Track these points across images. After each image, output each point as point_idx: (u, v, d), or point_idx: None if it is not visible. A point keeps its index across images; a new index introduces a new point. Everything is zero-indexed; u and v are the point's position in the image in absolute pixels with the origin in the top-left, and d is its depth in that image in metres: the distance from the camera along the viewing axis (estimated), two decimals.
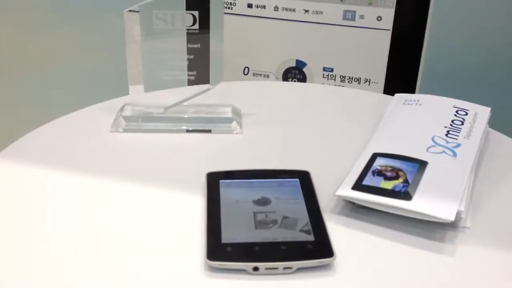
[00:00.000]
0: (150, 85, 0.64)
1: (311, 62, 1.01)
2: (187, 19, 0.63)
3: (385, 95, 0.75)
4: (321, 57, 1.00)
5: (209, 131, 0.65)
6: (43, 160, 0.58)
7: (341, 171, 0.54)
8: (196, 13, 0.63)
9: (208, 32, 0.63)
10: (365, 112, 0.70)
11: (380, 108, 0.67)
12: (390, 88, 0.97)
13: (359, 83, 0.99)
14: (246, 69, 1.05)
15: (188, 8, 0.63)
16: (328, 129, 0.66)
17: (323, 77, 1.01)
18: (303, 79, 1.03)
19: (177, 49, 0.64)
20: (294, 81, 1.03)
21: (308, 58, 1.01)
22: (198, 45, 0.64)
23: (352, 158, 0.56)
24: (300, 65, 1.02)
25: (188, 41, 0.64)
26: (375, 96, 0.75)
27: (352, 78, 1.00)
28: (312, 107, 0.71)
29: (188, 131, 0.65)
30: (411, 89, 0.96)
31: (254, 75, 1.05)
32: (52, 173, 0.56)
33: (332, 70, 1.00)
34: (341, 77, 1.00)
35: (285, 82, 1.00)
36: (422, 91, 0.96)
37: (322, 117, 0.68)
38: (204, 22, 0.63)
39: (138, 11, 0.61)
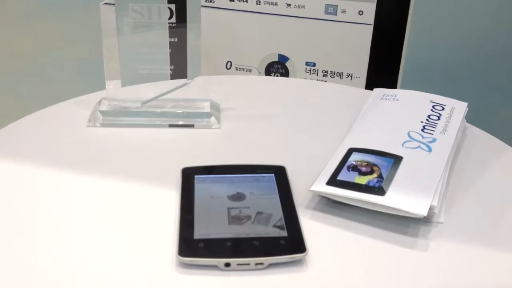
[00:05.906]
0: (127, 80, 0.64)
1: (293, 57, 1.01)
2: (164, 12, 0.62)
3: (366, 90, 0.75)
4: (303, 52, 1.00)
5: (191, 126, 0.64)
6: (20, 154, 0.57)
7: (318, 166, 0.54)
8: (173, 6, 0.62)
9: (185, 26, 0.63)
10: (345, 107, 0.69)
11: (360, 103, 0.67)
12: (372, 82, 0.97)
13: (341, 77, 0.99)
14: (229, 63, 1.04)
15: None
16: (307, 124, 0.65)
17: (306, 71, 1.01)
18: (286, 73, 1.02)
19: (154, 43, 0.64)
20: (277, 75, 1.02)
21: (291, 53, 1.01)
22: (176, 39, 0.64)
23: (329, 153, 0.56)
24: (282, 59, 1.01)
25: (166, 35, 0.64)
26: (356, 91, 0.75)
27: (334, 73, 1.00)
28: (292, 101, 0.71)
29: (170, 125, 0.64)
30: (393, 84, 0.96)
31: (236, 69, 1.04)
32: (28, 168, 0.55)
33: (314, 64, 1.00)
34: (324, 71, 1.00)
35: (265, 77, 1.00)
36: (404, 85, 0.96)
37: (301, 112, 0.68)
38: (181, 16, 0.63)
39: (114, 4, 0.60)
